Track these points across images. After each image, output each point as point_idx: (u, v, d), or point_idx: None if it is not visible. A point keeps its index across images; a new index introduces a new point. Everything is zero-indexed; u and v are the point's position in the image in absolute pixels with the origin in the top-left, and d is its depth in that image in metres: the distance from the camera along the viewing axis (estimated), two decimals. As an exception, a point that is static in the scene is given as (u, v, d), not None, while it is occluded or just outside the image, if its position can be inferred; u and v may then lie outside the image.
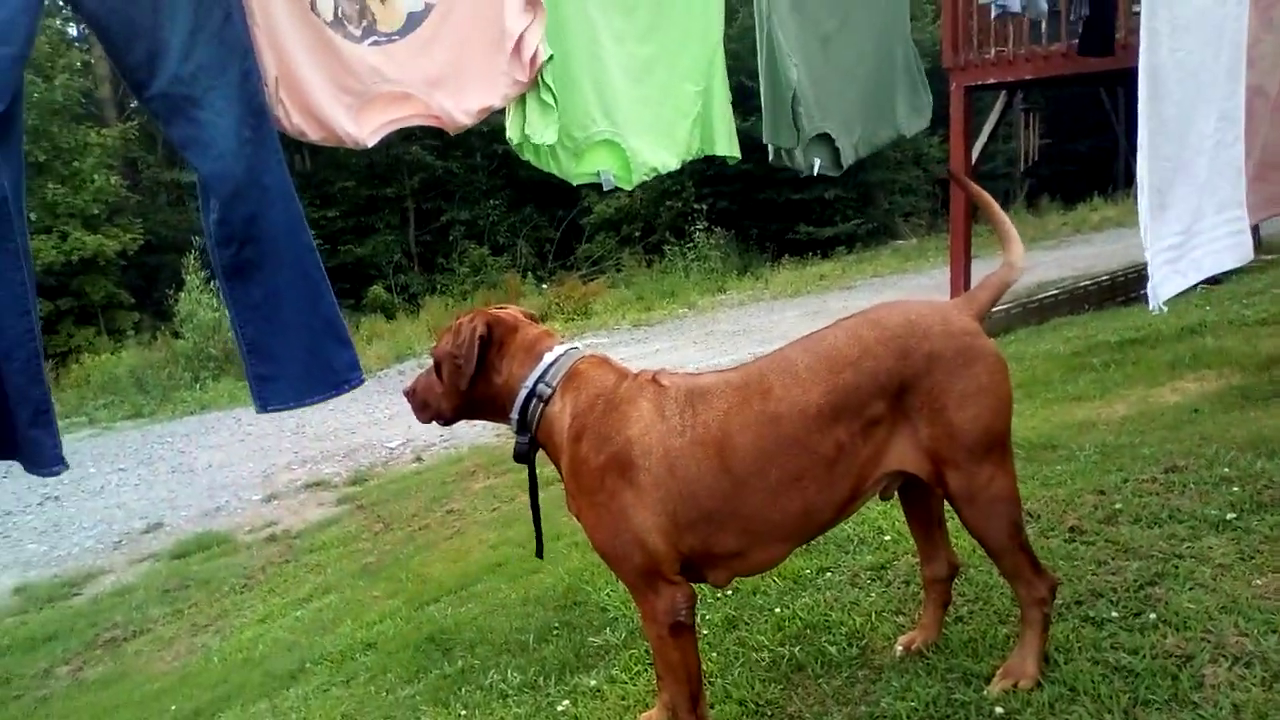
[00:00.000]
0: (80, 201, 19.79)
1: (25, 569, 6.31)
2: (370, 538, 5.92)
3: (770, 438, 1.93)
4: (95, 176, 20.16)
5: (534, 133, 2.51)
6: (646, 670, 2.77)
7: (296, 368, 2.25)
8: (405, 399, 2.22)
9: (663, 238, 22.36)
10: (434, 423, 2.20)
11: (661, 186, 23.14)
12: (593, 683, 2.79)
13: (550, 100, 2.50)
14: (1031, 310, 10.07)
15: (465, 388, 2.04)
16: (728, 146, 3.10)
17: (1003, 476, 2.02)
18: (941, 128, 22.35)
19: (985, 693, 2.07)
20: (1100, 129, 24.70)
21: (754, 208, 22.92)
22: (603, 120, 2.64)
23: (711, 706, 2.44)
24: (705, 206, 21.44)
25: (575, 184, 2.81)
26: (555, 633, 3.27)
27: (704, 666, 2.63)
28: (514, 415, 2.06)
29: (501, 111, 2.54)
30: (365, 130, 2.35)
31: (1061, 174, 24.87)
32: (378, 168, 26.20)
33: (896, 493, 2.23)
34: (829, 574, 3.06)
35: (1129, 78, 3.43)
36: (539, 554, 2.31)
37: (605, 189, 2.81)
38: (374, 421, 9.79)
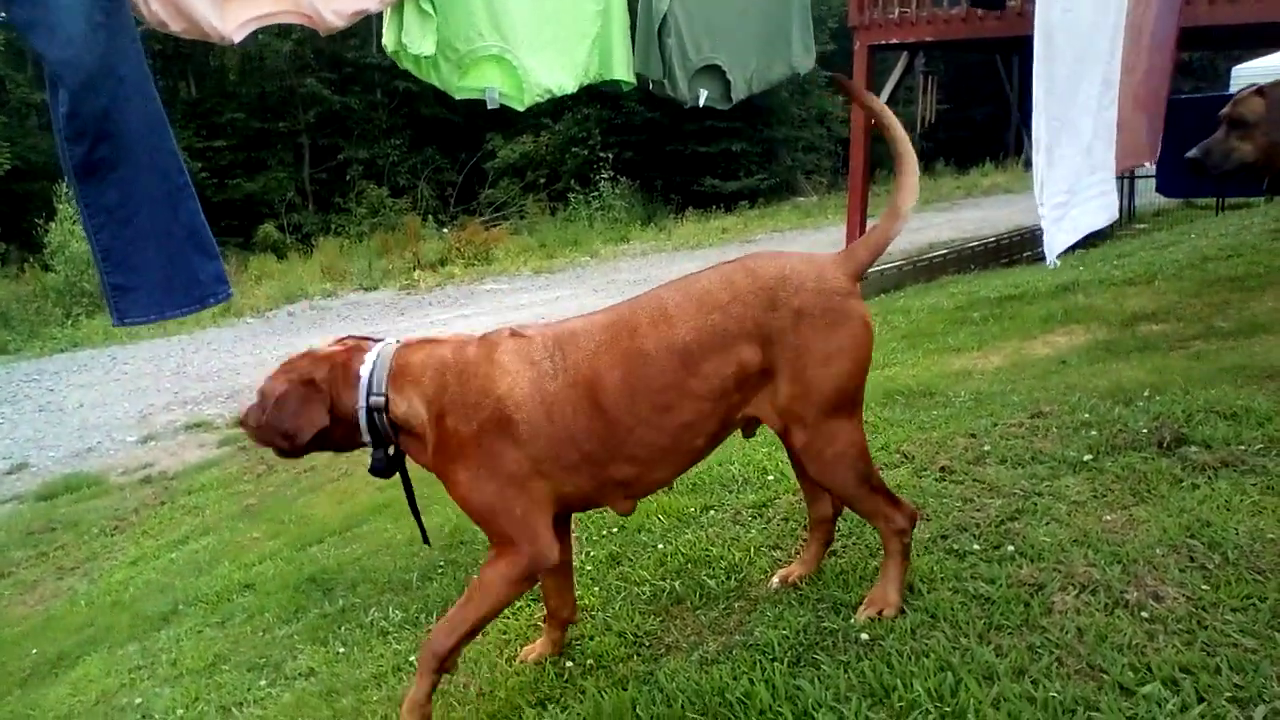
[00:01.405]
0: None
1: None
2: (253, 480, 5.74)
3: (637, 374, 1.95)
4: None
5: (411, 42, 2.40)
6: (529, 606, 2.78)
7: (156, 277, 2.11)
8: (241, 426, 2.18)
9: (567, 185, 22.13)
10: (285, 456, 2.14)
11: (568, 133, 22.87)
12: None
13: (429, 8, 2.39)
14: (921, 268, 10.40)
15: (296, 455, 2.05)
16: (625, 71, 3.04)
17: (849, 431, 2.04)
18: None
19: (851, 621, 2.14)
20: (995, 97, 25.56)
21: (660, 159, 22.88)
22: (491, 35, 2.54)
23: (591, 639, 2.47)
24: (611, 155, 21.28)
25: (458, 98, 2.70)
26: (440, 571, 3.25)
27: (587, 601, 2.66)
28: (366, 439, 2.03)
29: (379, 16, 2.41)
30: (231, 25, 2.20)
31: (956, 139, 25.64)
32: (270, 99, 24.99)
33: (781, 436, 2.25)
34: (712, 511, 3.11)
35: (1025, 45, 3.53)
36: (425, 540, 2.34)
37: (490, 107, 2.71)
38: (260, 363, 9.44)
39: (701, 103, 3.29)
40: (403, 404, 1.99)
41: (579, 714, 2.15)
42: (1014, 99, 25.99)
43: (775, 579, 2.47)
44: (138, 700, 3.06)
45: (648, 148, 22.86)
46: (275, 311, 12.78)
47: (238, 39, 2.25)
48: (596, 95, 22.25)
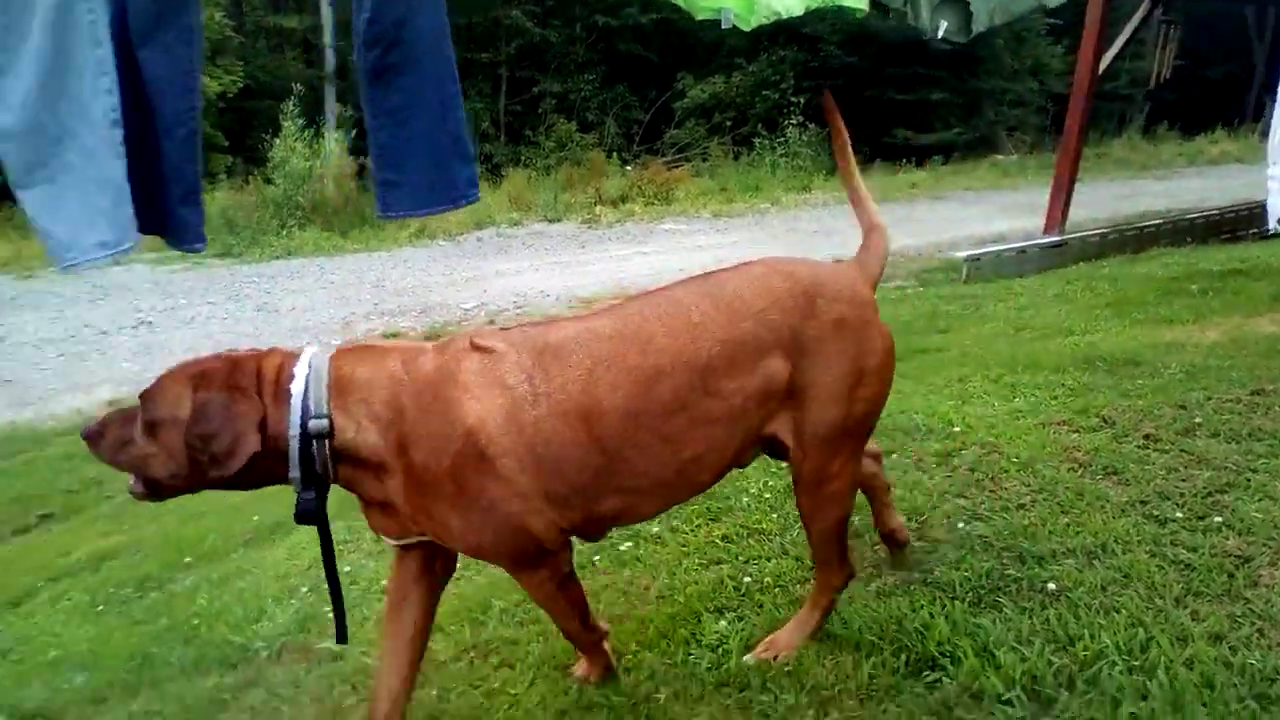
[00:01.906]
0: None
1: (118, 385, 6.70)
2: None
3: (646, 398, 1.68)
4: (217, 15, 20.35)
5: None
6: (707, 524, 2.89)
7: (421, 178, 2.29)
8: (85, 442, 1.69)
9: (754, 130, 21.82)
10: (147, 494, 1.68)
11: (760, 75, 22.49)
12: (655, 529, 2.92)
13: None
14: (1129, 237, 9.67)
15: (203, 487, 1.62)
16: None
17: (850, 473, 1.91)
18: (1068, 36, 21.13)
19: (744, 659, 2.06)
20: (1238, 55, 23.06)
21: (854, 106, 22.09)
22: None
23: (769, 560, 2.55)
24: (802, 100, 20.75)
25: (698, 18, 2.75)
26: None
27: (764, 527, 2.74)
28: (294, 474, 1.61)
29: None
30: None
31: (1185, 101, 23.36)
32: (475, 30, 25.88)
33: None
34: (894, 455, 3.11)
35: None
36: (340, 639, 1.85)
37: (724, 25, 2.75)
38: (451, 283, 9.98)
39: (940, 34, 3.19)
40: (351, 426, 1.62)
41: (755, 624, 2.25)
42: (1261, 58, 23.40)
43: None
44: (346, 569, 3.40)
45: (842, 94, 21.90)
46: (465, 236, 13.41)
47: None
48: (794, 36, 21.70)
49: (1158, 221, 10.10)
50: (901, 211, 13.94)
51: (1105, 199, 13.23)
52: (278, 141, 15.35)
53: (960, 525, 2.47)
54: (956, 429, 3.22)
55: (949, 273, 9.16)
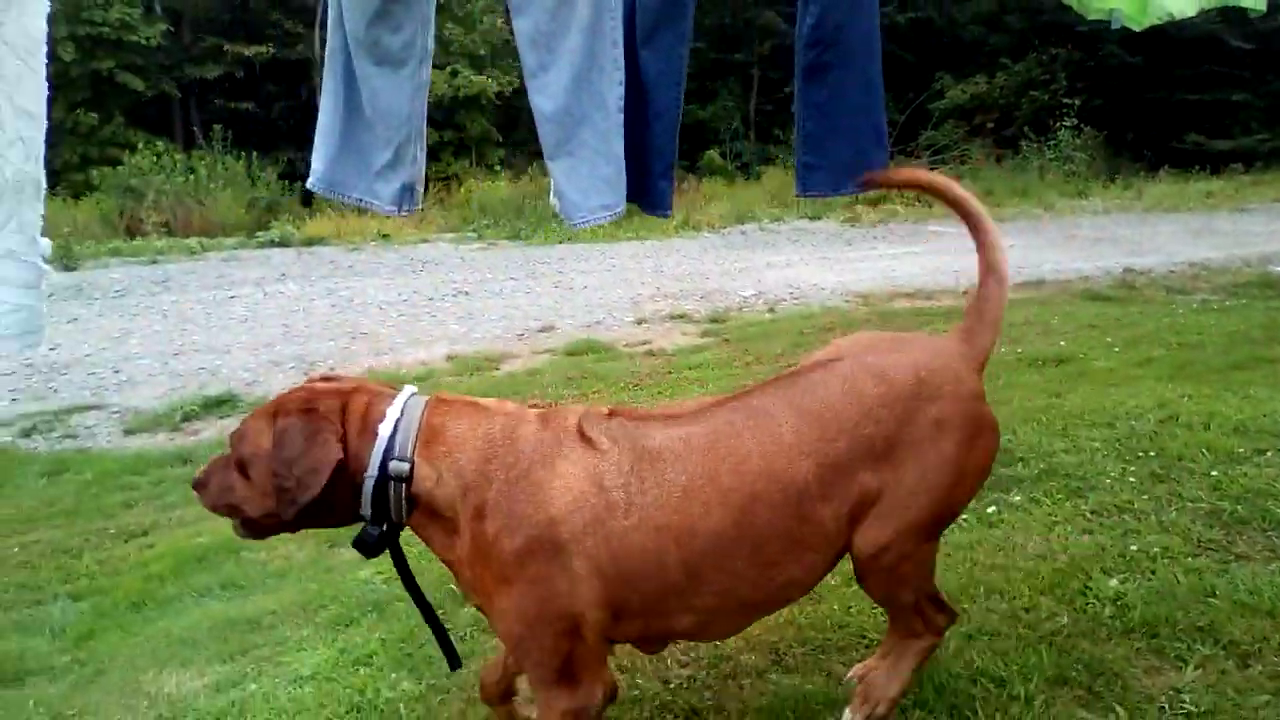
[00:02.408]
0: (470, 41, 21.94)
1: (451, 344, 7.61)
2: (741, 366, 6.51)
3: (741, 523, 1.60)
4: (484, 19, 22.23)
5: None
6: (1071, 499, 3.01)
7: (837, 162, 2.59)
8: (194, 491, 1.76)
9: (1019, 132, 20.85)
10: (246, 533, 1.76)
11: (1028, 75, 21.46)
12: (1017, 498, 3.08)
13: None
14: None
15: (291, 518, 1.61)
16: None
17: (926, 555, 1.80)
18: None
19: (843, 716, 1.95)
20: None
21: (1135, 108, 20.63)
22: None
23: (1148, 535, 2.65)
24: (1076, 102, 19.59)
25: (1088, 18, 2.85)
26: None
27: (1137, 506, 2.82)
28: (366, 511, 1.63)
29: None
30: None
31: None
32: (728, 30, 26.44)
33: None
34: (1269, 454, 3.09)
35: None
36: (453, 665, 1.87)
37: (1113, 27, 2.84)
38: (724, 272, 10.40)
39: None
40: (431, 477, 1.61)
41: (1150, 588, 2.38)
42: None
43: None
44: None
45: (1121, 95, 20.67)
46: (729, 229, 13.87)
47: None
48: (1068, 34, 20.52)
49: None
50: (1197, 222, 12.94)
51: None
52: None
53: None
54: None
55: (1264, 289, 8.46)
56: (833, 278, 9.83)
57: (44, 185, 2.06)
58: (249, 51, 21.77)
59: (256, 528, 1.72)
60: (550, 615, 1.58)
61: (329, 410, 1.63)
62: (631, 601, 1.61)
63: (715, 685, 2.28)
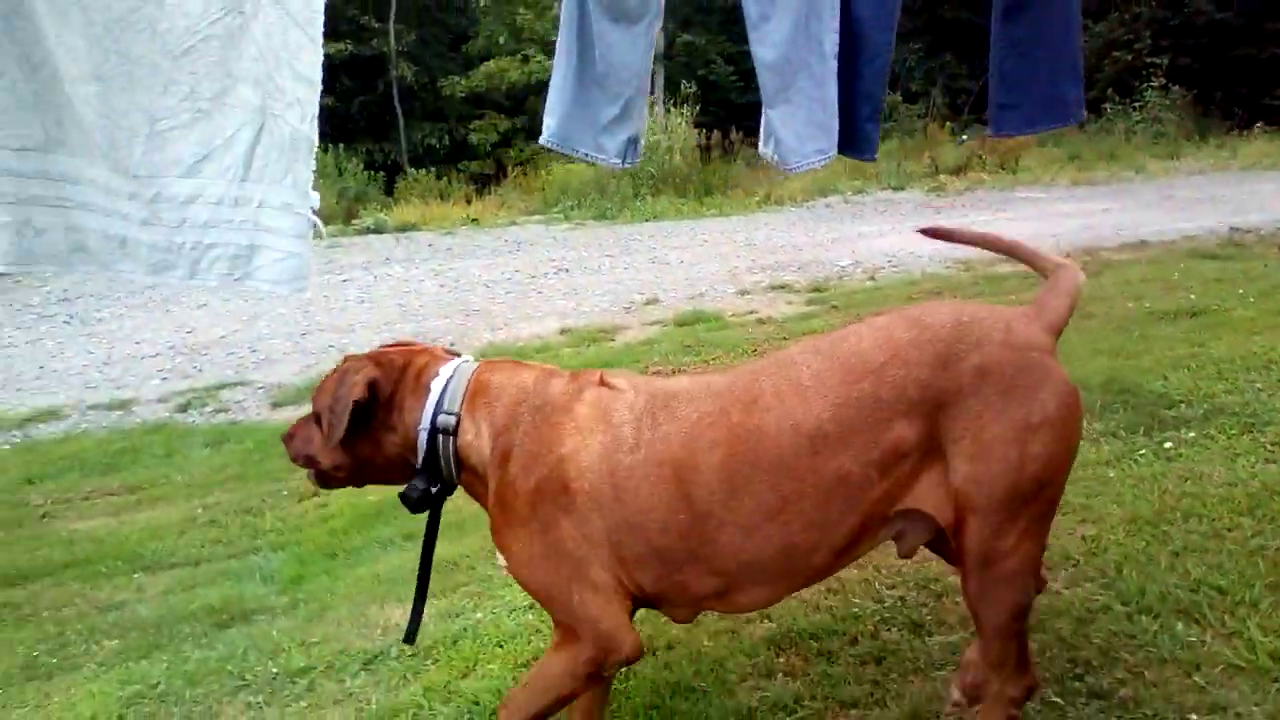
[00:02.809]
0: (541, 27, 22.16)
1: (562, 318, 7.83)
2: (857, 330, 6.59)
3: (745, 459, 1.56)
4: (556, 4, 22.45)
5: None
6: (1244, 434, 3.07)
7: (1034, 100, 2.68)
8: (284, 444, 1.93)
9: (1102, 94, 20.28)
10: (318, 483, 1.90)
11: (1108, 36, 20.87)
12: (1190, 434, 3.15)
13: None
14: None
15: (333, 447, 1.72)
16: None
17: (1031, 545, 1.59)
18: None
19: None
20: None
21: (1224, 66, 19.92)
22: None
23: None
24: (1163, 61, 18.99)
25: None
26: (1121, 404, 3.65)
27: None
28: (420, 462, 1.72)
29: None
30: None
31: None
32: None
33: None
34: None
35: None
36: (409, 639, 1.91)
37: None
38: (817, 244, 10.44)
39: None
40: (471, 430, 1.69)
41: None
42: None
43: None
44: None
45: (1209, 53, 19.98)
46: (813, 203, 13.86)
47: None
48: (1151, -9, 19.96)
49: None
50: (1300, 180, 12.53)
51: None
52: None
53: None
54: None
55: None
56: (929, 245, 9.74)
57: (316, 144, 2.27)
58: (329, 49, 22.28)
59: (328, 479, 1.85)
60: (560, 558, 1.60)
61: (384, 362, 1.75)
62: (637, 544, 1.59)
63: (929, 603, 2.42)
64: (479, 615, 2.85)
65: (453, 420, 1.68)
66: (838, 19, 2.50)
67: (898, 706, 2.00)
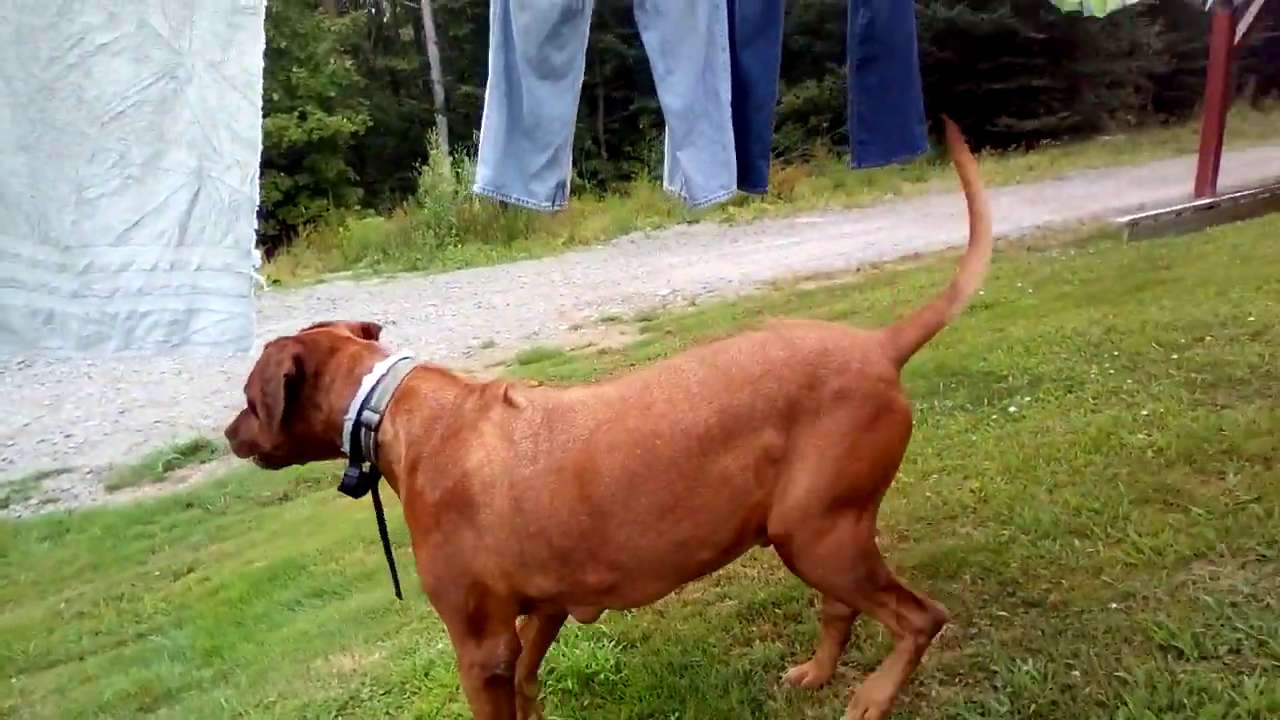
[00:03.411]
0: (317, 84, 21.64)
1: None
2: (697, 351, 7.01)
3: (642, 460, 1.67)
4: (331, 60, 22.00)
5: None
6: (1068, 393, 3.67)
7: (887, 135, 3.14)
8: (226, 438, 2.02)
9: (854, 129, 22.46)
10: (263, 465, 2.00)
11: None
12: (1025, 399, 3.72)
13: None
14: (1279, 197, 10.10)
15: (277, 429, 1.80)
16: None
17: (851, 527, 1.75)
18: (1162, 11, 21.25)
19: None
20: (1339, 19, 22.84)
21: (950, 100, 22.63)
22: None
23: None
24: (902, 97, 21.29)
25: (1064, 10, 3.53)
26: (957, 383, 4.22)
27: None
28: (345, 448, 1.82)
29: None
30: None
31: (1285, 70, 23.26)
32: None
33: None
34: (1208, 339, 3.85)
35: None
36: (398, 594, 2.07)
37: (1084, 14, 3.53)
38: (634, 276, 10.92)
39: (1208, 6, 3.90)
40: (390, 431, 1.78)
41: (1171, 434, 3.03)
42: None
43: (788, 676, 2.23)
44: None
45: (937, 89, 22.60)
46: (616, 239, 14.42)
47: None
48: (885, 38, 22.32)
49: (1307, 180, 10.48)
50: (1029, 192, 14.48)
51: (1235, 166, 13.51)
52: (425, 168, 16.58)
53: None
54: (1251, 318, 3.96)
55: (1101, 241, 9.72)
56: (736, 271, 10.52)
57: (257, 203, 2.31)
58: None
59: (273, 460, 1.95)
60: (459, 568, 1.69)
61: (310, 341, 1.84)
62: (540, 549, 1.69)
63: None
64: (439, 646, 2.89)
65: (375, 418, 1.78)
66: (729, 71, 2.85)
67: (871, 647, 2.30)
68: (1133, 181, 14.18)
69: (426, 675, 2.71)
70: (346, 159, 23.00)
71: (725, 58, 2.83)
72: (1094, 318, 4.80)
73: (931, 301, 1.87)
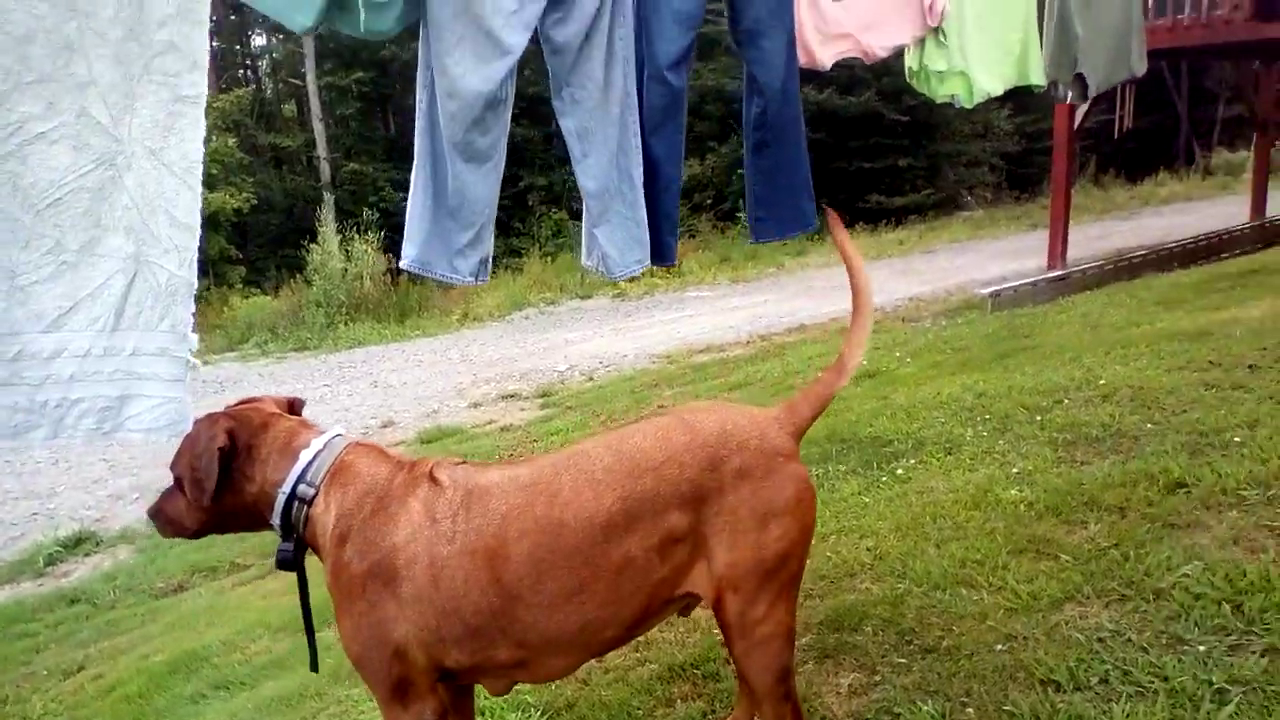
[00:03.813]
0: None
1: (296, 451, 7.62)
2: (599, 425, 7.17)
3: (548, 547, 1.77)
4: (214, 137, 21.66)
5: (930, 62, 3.69)
6: (948, 454, 3.99)
7: (781, 213, 3.42)
8: (150, 519, 2.06)
9: (735, 205, 23.43)
10: (181, 537, 2.05)
11: (734, 155, 24.23)
12: (911, 462, 4.03)
13: (944, 41, 3.68)
14: (1123, 268, 11.10)
15: (208, 504, 1.85)
16: (1038, 76, 4.16)
17: (781, 613, 1.87)
18: (1011, 99, 23.15)
19: None
20: (1160, 106, 25.43)
21: (824, 177, 23.91)
22: (958, 58, 3.80)
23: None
24: (779, 176, 22.39)
25: (937, 101, 3.93)
26: (848, 449, 4.51)
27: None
28: (275, 521, 1.88)
29: (903, 49, 3.67)
30: (827, 56, 3.49)
31: (1122, 150, 25.62)
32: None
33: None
34: (1066, 402, 4.26)
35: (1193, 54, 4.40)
36: (313, 667, 2.09)
37: (956, 105, 3.93)
38: (530, 353, 11.05)
39: (1068, 99, 4.42)
40: (322, 505, 1.85)
41: (1038, 490, 3.35)
42: (1183, 107, 25.87)
43: None
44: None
45: (814, 167, 23.57)
46: (511, 316, 14.54)
47: (829, 64, 3.54)
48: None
49: (1143, 252, 11.57)
50: (900, 265, 15.41)
51: (1081, 240, 14.78)
52: (315, 246, 16.41)
53: (1150, 424, 3.61)
54: (1102, 381, 4.40)
55: (968, 311, 10.46)
56: (631, 345, 10.80)
57: (195, 286, 2.36)
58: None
59: (197, 534, 1.99)
60: (381, 636, 1.77)
61: (241, 417, 1.91)
62: (454, 625, 1.77)
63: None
64: (361, 728, 2.90)
65: (311, 492, 1.84)
66: (640, 154, 3.09)
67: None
68: (993, 254, 15.27)
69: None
70: (228, 237, 22.49)
71: (638, 142, 3.07)
72: (966, 384, 5.21)
73: (821, 376, 2.02)
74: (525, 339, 12.24)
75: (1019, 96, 4.48)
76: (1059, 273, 10.85)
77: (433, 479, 1.85)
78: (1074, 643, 2.38)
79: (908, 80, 3.83)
